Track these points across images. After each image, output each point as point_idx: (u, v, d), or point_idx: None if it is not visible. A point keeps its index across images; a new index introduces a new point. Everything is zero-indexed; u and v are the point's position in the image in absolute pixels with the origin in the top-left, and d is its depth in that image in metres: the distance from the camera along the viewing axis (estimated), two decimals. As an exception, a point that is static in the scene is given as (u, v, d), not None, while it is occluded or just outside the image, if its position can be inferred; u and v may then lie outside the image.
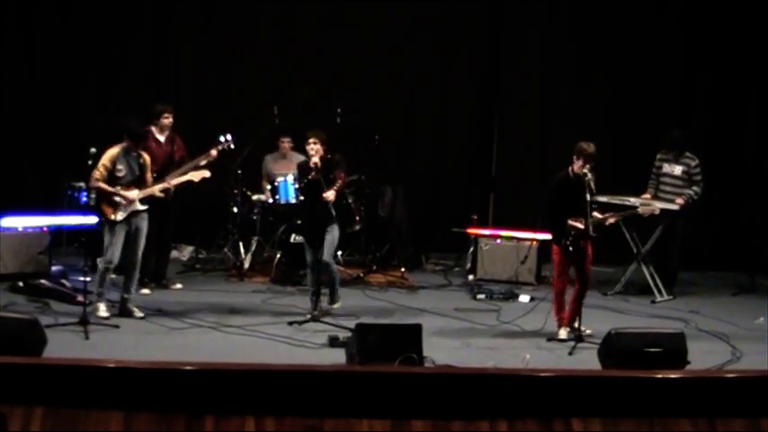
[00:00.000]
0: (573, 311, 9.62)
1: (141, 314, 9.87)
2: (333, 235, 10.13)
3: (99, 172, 9.65)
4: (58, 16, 13.30)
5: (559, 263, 9.68)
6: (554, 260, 9.79)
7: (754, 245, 12.84)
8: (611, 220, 10.10)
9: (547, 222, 9.83)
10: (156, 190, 9.97)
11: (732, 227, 13.75)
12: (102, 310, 9.70)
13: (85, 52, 13.35)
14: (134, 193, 9.77)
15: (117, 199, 9.68)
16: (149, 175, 9.98)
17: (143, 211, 9.85)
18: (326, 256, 10.08)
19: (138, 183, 9.83)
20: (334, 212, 10.06)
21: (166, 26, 13.67)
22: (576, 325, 9.52)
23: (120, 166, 9.71)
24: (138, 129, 9.92)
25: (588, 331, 9.38)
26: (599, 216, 9.78)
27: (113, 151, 9.72)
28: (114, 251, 9.72)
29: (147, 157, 9.95)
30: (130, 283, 9.94)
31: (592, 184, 9.42)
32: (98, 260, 9.64)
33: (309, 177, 10.06)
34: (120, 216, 9.68)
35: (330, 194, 9.99)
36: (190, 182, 10.43)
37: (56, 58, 13.25)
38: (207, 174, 10.58)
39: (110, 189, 9.66)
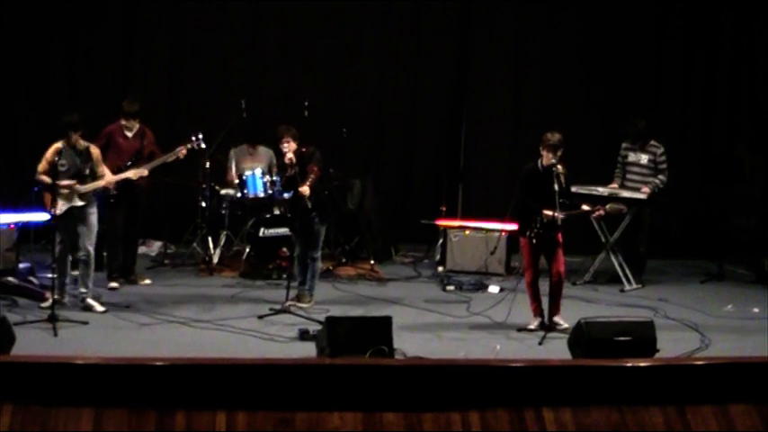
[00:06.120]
0: (554, 307, 9.64)
1: (102, 308, 9.86)
2: (316, 229, 10.26)
3: (42, 165, 9.77)
4: (26, 11, 13.14)
5: (527, 254, 9.69)
6: (522, 252, 9.82)
7: (722, 232, 12.89)
8: (601, 212, 10.16)
9: (515, 213, 9.84)
10: (99, 185, 9.97)
11: (700, 214, 13.80)
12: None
13: (55, 47, 13.24)
14: (79, 187, 9.77)
15: (62, 192, 9.68)
16: (103, 168, 10.01)
17: (83, 206, 9.83)
18: (312, 250, 10.29)
19: (81, 177, 9.82)
20: (309, 205, 10.09)
21: (136, 21, 13.53)
22: (556, 319, 9.56)
23: (62, 160, 9.74)
24: (66, 118, 9.90)
25: (566, 325, 9.34)
26: (586, 208, 9.77)
27: (57, 145, 9.79)
28: (62, 245, 9.79)
29: (96, 151, 9.97)
30: (87, 279, 9.92)
31: (561, 177, 9.42)
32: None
33: (287, 174, 10.22)
34: (59, 210, 9.66)
35: (305, 189, 10.05)
36: (128, 179, 10.45)
37: (24, 53, 13.10)
38: (145, 172, 10.62)
39: (49, 180, 9.65)
